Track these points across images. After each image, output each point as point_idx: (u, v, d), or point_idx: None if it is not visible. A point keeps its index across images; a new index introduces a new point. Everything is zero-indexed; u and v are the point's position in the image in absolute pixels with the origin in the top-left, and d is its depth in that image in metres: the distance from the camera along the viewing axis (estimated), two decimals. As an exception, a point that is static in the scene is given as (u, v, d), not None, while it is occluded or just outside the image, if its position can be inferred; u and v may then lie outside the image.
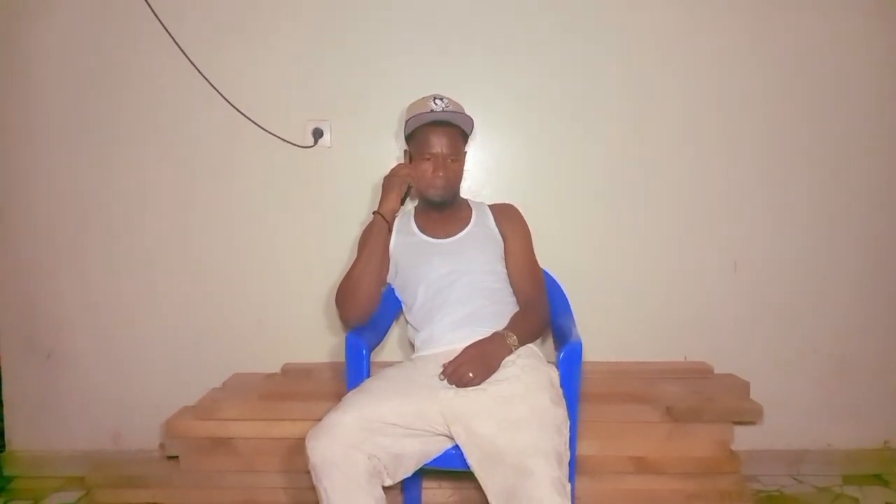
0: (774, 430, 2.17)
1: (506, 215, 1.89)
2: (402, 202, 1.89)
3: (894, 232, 2.18)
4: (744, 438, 2.07)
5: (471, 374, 1.50)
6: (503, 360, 1.57)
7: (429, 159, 1.78)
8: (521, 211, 1.92)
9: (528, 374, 1.53)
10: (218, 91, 2.08)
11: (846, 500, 2.07)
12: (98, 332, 2.20)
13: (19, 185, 2.16)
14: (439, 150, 1.77)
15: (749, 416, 1.94)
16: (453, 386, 1.52)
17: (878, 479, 2.19)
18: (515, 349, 1.59)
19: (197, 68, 2.07)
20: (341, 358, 1.73)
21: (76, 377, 2.22)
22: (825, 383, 2.22)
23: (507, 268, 1.83)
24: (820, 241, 2.18)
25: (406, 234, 1.86)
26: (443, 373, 1.54)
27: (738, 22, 2.11)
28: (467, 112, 1.84)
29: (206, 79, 2.08)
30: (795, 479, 2.19)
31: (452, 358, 1.57)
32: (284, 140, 2.11)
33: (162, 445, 2.06)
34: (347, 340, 1.68)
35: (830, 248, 2.18)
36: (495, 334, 1.60)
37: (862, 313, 2.20)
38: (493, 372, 1.53)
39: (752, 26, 2.11)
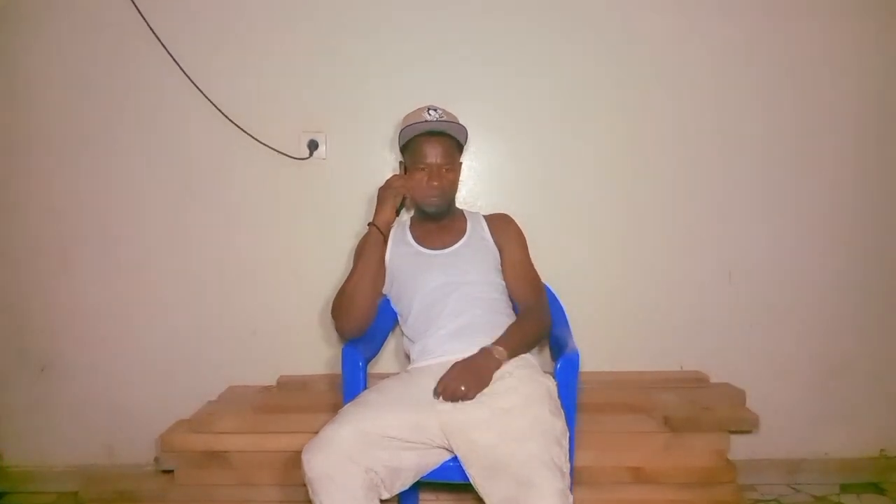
0: (771, 439, 2.17)
1: (501, 225, 1.90)
2: (398, 213, 1.89)
3: (889, 239, 2.19)
4: (740, 447, 2.07)
5: (462, 388, 1.49)
6: (494, 371, 1.55)
7: (423, 169, 1.78)
8: (516, 220, 1.93)
9: (527, 385, 1.53)
10: (213, 103, 2.08)
11: (843, 508, 2.08)
12: (91, 345, 2.19)
13: (12, 195, 2.15)
14: (434, 161, 1.78)
15: (745, 425, 1.94)
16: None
17: (875, 488, 2.19)
18: (505, 361, 1.57)
19: (191, 80, 2.07)
20: (337, 370, 1.72)
21: (69, 390, 2.20)
22: (821, 392, 2.22)
23: (504, 277, 1.83)
24: (815, 249, 2.19)
25: (401, 244, 1.86)
26: (437, 394, 1.52)
27: (731, 31, 2.12)
28: (462, 123, 1.84)
29: (201, 91, 2.08)
30: (792, 488, 2.19)
31: (447, 370, 1.56)
32: (279, 152, 2.11)
33: (156, 459, 2.05)
34: (344, 352, 1.67)
35: (825, 257, 2.19)
36: (482, 349, 1.59)
37: (857, 322, 2.21)
38: (486, 384, 1.52)
39: (746, 35, 2.12)
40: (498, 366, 1.56)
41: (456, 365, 1.55)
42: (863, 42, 2.12)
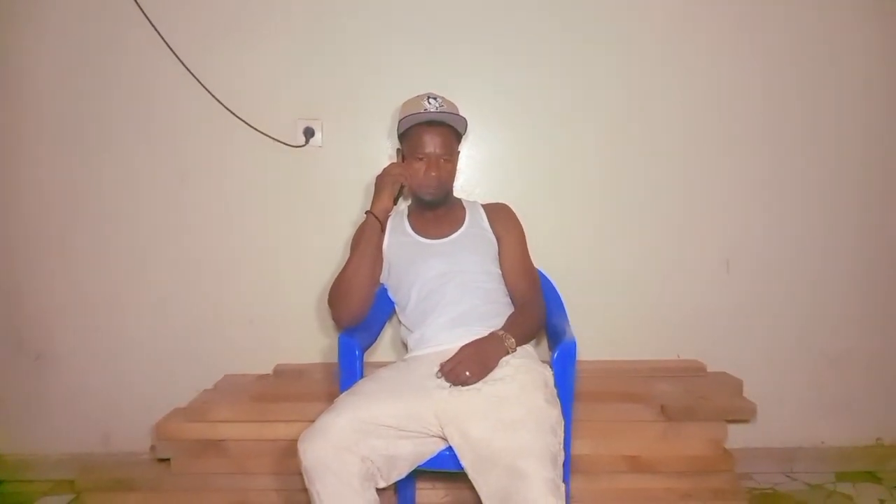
0: (768, 427, 2.17)
1: (499, 215, 1.89)
2: (395, 202, 1.87)
3: (887, 230, 2.19)
4: (737, 436, 2.08)
5: (468, 373, 1.50)
6: (500, 358, 1.56)
7: (422, 159, 1.77)
8: (514, 210, 1.92)
9: (523, 374, 1.53)
10: (209, 91, 2.06)
11: (839, 497, 2.08)
12: (87, 333, 2.18)
13: (8, 184, 2.13)
14: (432, 150, 1.76)
15: (742, 414, 1.94)
16: (448, 385, 1.51)
17: (871, 476, 2.20)
18: (513, 351, 1.58)
19: (187, 68, 2.05)
20: (334, 359, 1.71)
21: (65, 379, 2.20)
22: (818, 381, 2.22)
23: (501, 268, 1.82)
24: (813, 239, 2.18)
25: (399, 234, 1.85)
26: (440, 370, 1.53)
27: (733, 20, 2.10)
28: (460, 111, 1.83)
29: (197, 78, 2.06)
30: (789, 477, 2.20)
31: (447, 357, 1.56)
32: (275, 139, 2.09)
33: (152, 448, 2.04)
34: (340, 341, 1.66)
35: (823, 247, 2.19)
36: (493, 334, 1.59)
37: (854, 311, 2.21)
38: (490, 372, 1.53)
39: (747, 25, 2.11)
40: (505, 354, 1.57)
41: (466, 348, 1.55)
42: (866, 31, 2.11)
